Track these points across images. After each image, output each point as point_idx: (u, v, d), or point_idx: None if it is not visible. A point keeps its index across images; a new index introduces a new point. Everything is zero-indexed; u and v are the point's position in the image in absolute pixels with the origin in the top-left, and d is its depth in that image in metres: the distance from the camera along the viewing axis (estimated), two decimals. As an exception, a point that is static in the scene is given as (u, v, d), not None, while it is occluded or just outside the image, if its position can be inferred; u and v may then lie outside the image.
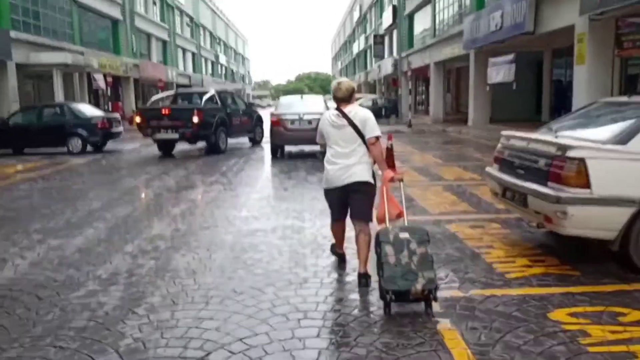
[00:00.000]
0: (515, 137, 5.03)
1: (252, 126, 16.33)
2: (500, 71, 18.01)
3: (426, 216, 6.23)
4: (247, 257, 4.73)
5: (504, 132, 5.36)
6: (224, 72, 78.21)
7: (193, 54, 55.97)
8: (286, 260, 4.65)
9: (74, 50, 25.69)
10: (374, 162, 4.10)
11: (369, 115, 4.03)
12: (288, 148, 13.57)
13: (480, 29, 19.18)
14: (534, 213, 4.42)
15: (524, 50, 18.50)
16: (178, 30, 49.22)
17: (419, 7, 31.55)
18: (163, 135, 13.85)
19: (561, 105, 20.45)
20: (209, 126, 13.79)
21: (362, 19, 56.82)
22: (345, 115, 3.98)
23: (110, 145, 16.45)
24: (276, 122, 12.71)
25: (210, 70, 66.47)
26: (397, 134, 20.23)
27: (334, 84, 4.14)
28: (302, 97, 13.89)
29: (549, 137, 4.59)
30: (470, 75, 22.13)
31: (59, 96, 23.04)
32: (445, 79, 28.78)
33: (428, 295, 3.41)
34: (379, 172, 4.15)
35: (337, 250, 4.55)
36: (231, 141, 16.15)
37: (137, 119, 14.22)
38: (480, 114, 21.79)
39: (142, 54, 38.52)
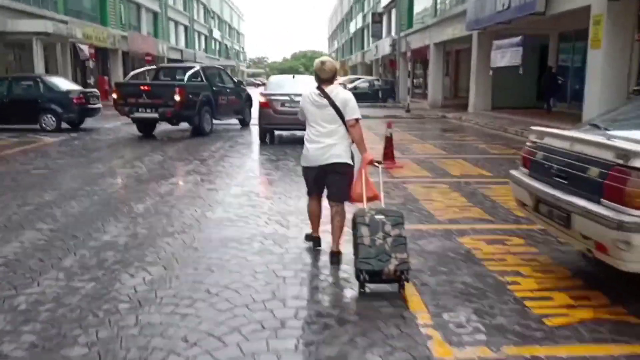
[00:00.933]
0: (552, 135, 4.00)
1: (240, 107, 15.15)
2: (506, 54, 16.95)
3: (433, 224, 5.26)
4: (211, 283, 3.73)
5: (534, 128, 4.32)
6: (217, 47, 76.29)
7: (186, 28, 54.19)
8: (261, 288, 3.66)
9: (57, 19, 24.26)
10: (353, 142, 4.10)
11: (350, 96, 4.04)
12: (278, 132, 12.53)
13: (485, 8, 18.00)
14: (581, 237, 3.44)
15: (528, 34, 17.36)
16: (170, 2, 47.42)
17: (420, -15, 30.21)
18: (141, 114, 12.61)
19: (551, 92, 19.57)
20: (192, 105, 12.62)
21: (361, -3, 55.13)
22: (326, 95, 3.99)
23: (89, 122, 15.31)
24: (265, 104, 11.62)
25: (203, 45, 64.63)
26: (394, 119, 19.18)
27: (317, 63, 4.09)
28: (294, 77, 12.71)
29: (600, 138, 3.56)
30: (472, 59, 21.02)
31: (40, 68, 21.70)
32: (444, 62, 27.62)
33: (400, 276, 3.49)
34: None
35: (313, 234, 4.50)
36: (219, 123, 15.07)
37: (114, 95, 13.01)
38: (482, 99, 20.77)
39: (131, 26, 36.95)
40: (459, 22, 22.06)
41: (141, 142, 12.18)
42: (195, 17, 58.84)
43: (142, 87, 12.84)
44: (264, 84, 17.36)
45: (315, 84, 4.07)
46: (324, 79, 4.03)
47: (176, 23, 50.13)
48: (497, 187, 7.00)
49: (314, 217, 4.42)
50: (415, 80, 35.80)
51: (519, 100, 21.81)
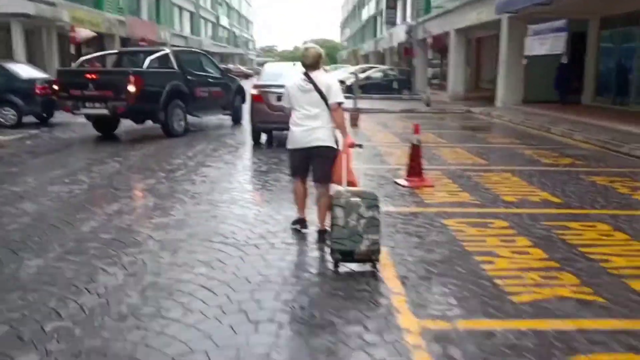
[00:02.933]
0: None
1: (228, 100, 12.56)
2: (546, 41, 14.56)
3: (509, 319, 3.04)
4: None
5: None
6: (226, 35, 73.98)
7: (191, 14, 51.92)
8: None
9: (44, 0, 22.14)
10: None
11: (333, 81, 4.25)
12: (276, 133, 10.33)
13: (520, -13, 15.58)
14: None
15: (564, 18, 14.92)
16: (174, -14, 45.17)
17: (440, -34, 27.68)
18: (88, 109, 10.05)
19: (564, 86, 17.98)
20: (154, 98, 10.04)
21: (374, -18, 52.44)
22: (311, 80, 4.14)
23: (60, 116, 13.18)
24: (258, 97, 9.42)
25: (210, 33, 62.36)
26: (413, 114, 16.90)
27: (301, 49, 4.31)
28: (294, 65, 10.34)
29: None
30: (501, 46, 18.61)
31: (20, 54, 19.64)
32: (466, 50, 25.15)
33: (371, 256, 3.62)
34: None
35: (299, 215, 4.56)
36: (209, 119, 12.84)
37: (54, 86, 10.56)
38: (512, 92, 18.39)
39: (130, 11, 34.79)
40: (485, 5, 19.62)
41: (99, 144, 9.90)
42: (202, 4, 56.50)
43: (88, 76, 10.08)
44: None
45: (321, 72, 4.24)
46: (308, 64, 4.18)
47: (180, 8, 47.87)
48: (582, 228, 4.77)
49: (300, 198, 4.51)
50: (432, 70, 33.34)
51: (549, 94, 19.44)
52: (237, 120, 13.07)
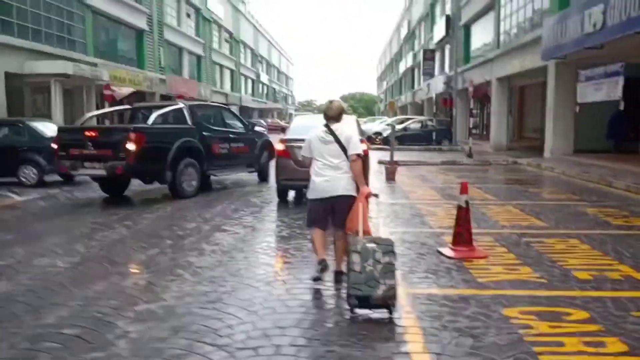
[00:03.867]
0: None
1: (253, 157, 11.57)
2: (601, 87, 13.37)
3: None
4: None
5: None
6: (265, 91, 75.55)
7: (232, 71, 53.18)
8: None
9: (85, 60, 22.70)
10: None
11: (353, 133, 4.47)
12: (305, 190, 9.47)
13: (567, 31, 14.60)
14: None
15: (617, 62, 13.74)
16: (215, 46, 46.48)
17: (478, 16, 27.14)
18: (87, 170, 9.24)
19: (620, 135, 17.15)
20: (159, 156, 9.09)
21: (410, 35, 52.68)
22: (332, 132, 4.38)
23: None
24: (284, 152, 8.62)
25: (250, 89, 63.70)
26: (455, 166, 15.79)
27: (326, 103, 4.60)
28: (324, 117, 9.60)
29: None
30: (548, 94, 17.48)
31: (57, 112, 19.89)
32: (509, 99, 24.07)
33: (387, 302, 3.62)
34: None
35: (319, 257, 4.51)
36: (238, 177, 12.12)
37: (53, 145, 9.80)
38: (562, 142, 17.07)
39: (172, 69, 35.67)
40: (529, 52, 18.72)
41: (116, 205, 9.19)
42: (242, 62, 57.99)
43: (87, 133, 9.28)
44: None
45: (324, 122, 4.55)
46: (331, 116, 4.47)
47: (221, 67, 49.05)
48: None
49: (319, 243, 4.52)
50: (472, 120, 32.25)
51: (601, 143, 18.01)
52: (263, 177, 12.13)
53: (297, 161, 8.43)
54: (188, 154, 9.58)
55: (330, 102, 4.54)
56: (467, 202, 5.47)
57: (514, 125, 28.80)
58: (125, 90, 24.42)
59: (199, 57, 41.61)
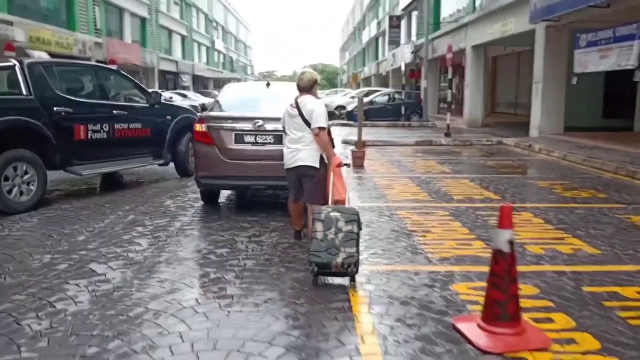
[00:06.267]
0: None
1: (160, 142, 8.08)
2: (609, 53, 11.10)
3: None
4: None
5: None
6: (222, 59, 71.31)
7: (183, 37, 49.06)
8: None
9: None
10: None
11: (315, 107, 4.35)
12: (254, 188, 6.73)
13: (563, -12, 12.28)
14: None
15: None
16: (163, 8, 42.34)
17: (451, -23, 24.62)
18: None
19: (618, 109, 15.78)
20: None
21: (374, 2, 49.76)
22: (297, 106, 4.40)
23: None
24: (204, 137, 5.83)
25: (204, 58, 59.53)
26: (432, 147, 13.39)
27: (298, 74, 4.57)
28: (268, 86, 6.55)
29: None
30: (535, 63, 15.21)
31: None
32: (484, 69, 21.80)
33: (347, 269, 3.62)
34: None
35: (294, 227, 4.84)
36: (145, 169, 8.55)
37: None
38: (551, 119, 14.91)
39: (111, 32, 31.74)
40: (512, 15, 16.38)
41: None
42: (195, 27, 53.75)
43: None
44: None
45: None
46: (302, 87, 4.46)
47: (170, 31, 44.95)
48: None
49: (295, 214, 4.76)
50: (439, 93, 30.06)
51: (587, 119, 16.10)
52: (184, 171, 8.51)
53: (224, 149, 5.74)
54: (20, 141, 6.13)
55: (302, 73, 4.50)
56: (511, 244, 2.95)
57: (486, 100, 26.78)
58: (40, 54, 20.74)
59: (143, 20, 37.57)
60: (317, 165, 4.39)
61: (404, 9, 33.41)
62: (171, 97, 23.22)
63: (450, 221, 5.62)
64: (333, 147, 4.53)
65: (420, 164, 10.25)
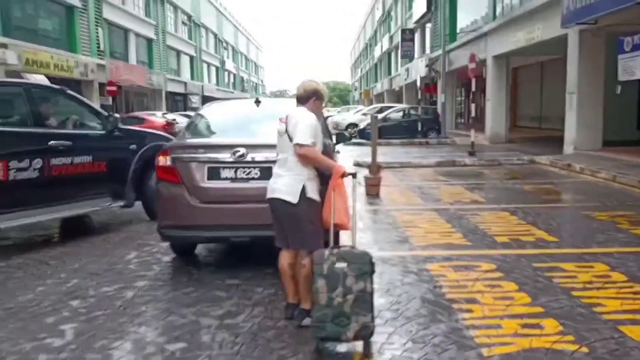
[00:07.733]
0: None
1: (120, 179, 6.33)
2: (664, 56, 9.56)
3: None
4: None
5: None
6: (232, 80, 70.70)
7: (191, 58, 48.37)
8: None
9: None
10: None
11: (301, 119, 3.34)
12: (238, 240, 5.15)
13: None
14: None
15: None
16: (170, 29, 41.64)
17: (467, -14, 23.31)
18: None
19: None
20: None
21: (386, 17, 48.68)
22: (287, 120, 3.45)
23: None
24: (168, 172, 4.37)
25: (214, 78, 58.83)
26: (457, 169, 11.84)
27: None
28: (258, 104, 5.01)
29: None
30: (569, 72, 13.66)
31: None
32: (506, 81, 20.26)
33: (359, 338, 2.95)
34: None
35: (286, 300, 3.53)
36: (116, 214, 6.65)
37: None
38: (588, 134, 13.29)
39: (116, 54, 30.90)
40: (539, 20, 14.92)
41: None
42: (204, 47, 53.10)
43: None
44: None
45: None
46: (298, 97, 3.56)
47: (178, 52, 44.24)
48: None
49: (285, 277, 3.47)
50: (455, 107, 28.52)
51: (622, 132, 14.46)
52: (154, 212, 6.07)
53: (194, 188, 4.29)
54: None
55: (303, 82, 3.57)
56: None
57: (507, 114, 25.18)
58: (37, 77, 19.71)
59: (149, 41, 36.79)
60: (295, 200, 3.27)
61: (417, 21, 32.13)
62: (174, 119, 21.98)
63: (500, 280, 4.10)
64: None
65: (446, 191, 8.71)
